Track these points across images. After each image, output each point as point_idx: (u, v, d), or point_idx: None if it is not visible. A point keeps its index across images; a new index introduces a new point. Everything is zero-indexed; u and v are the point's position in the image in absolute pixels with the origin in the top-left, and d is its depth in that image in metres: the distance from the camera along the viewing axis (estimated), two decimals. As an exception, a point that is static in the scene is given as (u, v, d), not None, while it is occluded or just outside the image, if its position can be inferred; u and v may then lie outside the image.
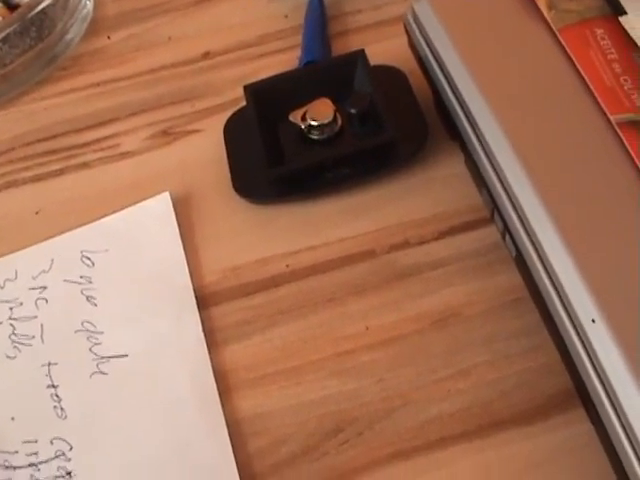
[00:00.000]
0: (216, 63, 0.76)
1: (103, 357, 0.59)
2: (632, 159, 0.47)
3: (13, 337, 0.61)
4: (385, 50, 0.69)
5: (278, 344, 0.58)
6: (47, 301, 0.62)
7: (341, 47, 0.74)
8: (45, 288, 0.63)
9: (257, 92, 0.66)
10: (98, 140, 0.72)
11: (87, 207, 0.67)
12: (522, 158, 0.49)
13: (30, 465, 0.55)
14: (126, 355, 0.59)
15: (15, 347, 0.60)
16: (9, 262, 0.65)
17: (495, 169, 0.52)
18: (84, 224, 0.66)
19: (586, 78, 0.51)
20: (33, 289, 0.63)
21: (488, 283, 0.58)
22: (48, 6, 0.76)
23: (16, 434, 0.57)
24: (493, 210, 0.54)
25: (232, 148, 0.67)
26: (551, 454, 0.51)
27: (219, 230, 0.64)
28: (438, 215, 0.62)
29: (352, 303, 0.59)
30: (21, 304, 0.62)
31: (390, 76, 0.67)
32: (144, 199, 0.66)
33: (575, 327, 0.45)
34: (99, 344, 0.59)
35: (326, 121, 0.64)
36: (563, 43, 0.53)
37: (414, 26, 0.61)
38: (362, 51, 0.67)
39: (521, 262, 0.51)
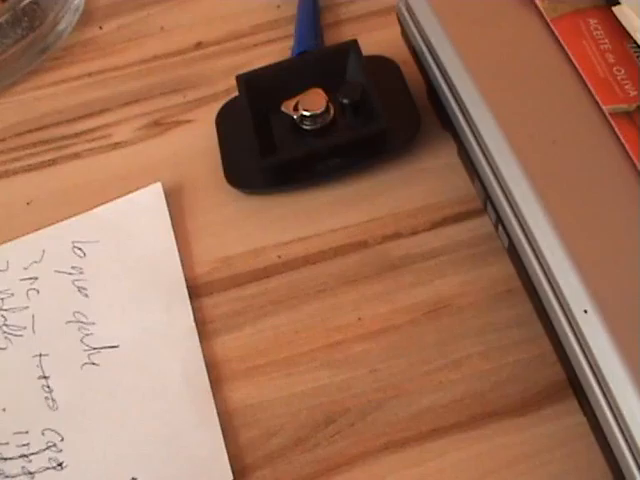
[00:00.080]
0: (208, 53, 0.76)
1: (94, 348, 0.58)
2: (625, 150, 0.47)
3: (4, 328, 0.60)
4: (378, 40, 0.69)
5: (270, 335, 0.58)
6: (38, 292, 0.62)
7: (333, 37, 0.74)
8: (36, 279, 0.62)
9: (249, 82, 0.66)
10: (90, 130, 0.72)
11: (79, 198, 0.67)
12: (515, 149, 0.49)
13: (21, 456, 0.55)
14: (117, 346, 0.58)
15: (6, 338, 0.60)
16: (0, 253, 0.64)
17: (488, 159, 0.52)
18: (75, 215, 0.65)
19: (579, 68, 0.51)
20: (24, 280, 0.63)
21: (481, 274, 0.58)
22: (40, -4, 0.76)
23: (7, 425, 0.56)
24: (486, 201, 0.54)
25: (224, 138, 0.67)
26: (544, 445, 0.51)
27: (211, 221, 0.64)
28: (430, 206, 0.62)
29: (344, 294, 0.59)
30: (12, 295, 0.62)
31: (382, 66, 0.67)
32: (136, 189, 0.66)
33: (567, 318, 0.45)
34: (90, 335, 0.59)
35: (318, 111, 0.64)
36: (556, 33, 0.53)
37: (407, 16, 0.61)
38: (355, 41, 0.66)
39: (514, 253, 0.51)
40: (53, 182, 0.69)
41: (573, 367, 0.45)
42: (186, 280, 0.61)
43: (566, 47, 0.52)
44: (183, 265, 0.61)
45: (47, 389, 0.57)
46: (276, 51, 0.74)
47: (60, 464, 0.54)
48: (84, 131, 0.72)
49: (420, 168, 0.64)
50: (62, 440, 0.55)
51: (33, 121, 0.74)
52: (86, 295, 0.61)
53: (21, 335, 0.60)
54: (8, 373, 0.59)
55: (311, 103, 0.64)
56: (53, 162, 0.70)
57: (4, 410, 0.57)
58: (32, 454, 0.55)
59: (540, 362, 0.54)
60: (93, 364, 0.58)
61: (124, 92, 0.74)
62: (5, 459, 0.55)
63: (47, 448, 0.55)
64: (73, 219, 0.65)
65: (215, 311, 0.59)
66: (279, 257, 0.61)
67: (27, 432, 0.56)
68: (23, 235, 0.65)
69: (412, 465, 0.52)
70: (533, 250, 0.48)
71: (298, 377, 0.56)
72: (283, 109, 0.65)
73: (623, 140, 0.48)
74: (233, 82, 0.67)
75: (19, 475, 0.54)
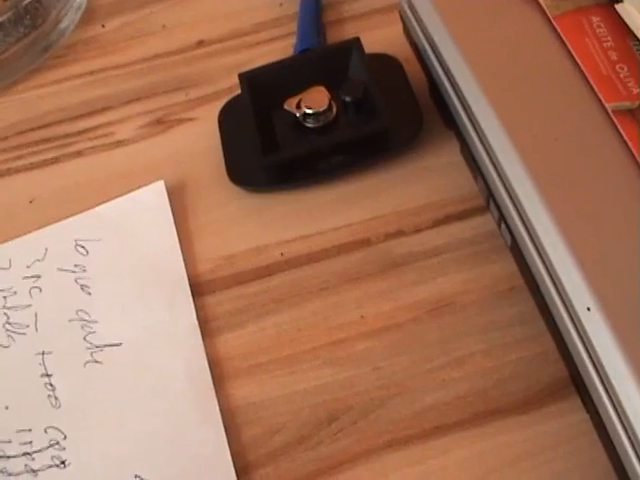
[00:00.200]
0: (211, 51, 0.75)
1: (97, 346, 0.58)
2: (628, 147, 0.47)
3: (7, 326, 0.60)
4: (380, 38, 0.69)
5: (272, 333, 0.58)
6: (41, 290, 0.62)
7: (336, 35, 0.74)
8: (39, 277, 0.62)
9: (252, 80, 0.66)
10: (92, 129, 0.72)
11: (81, 196, 0.67)
12: (518, 146, 0.49)
13: (24, 454, 0.55)
14: (120, 344, 0.58)
15: (9, 336, 0.60)
16: (3, 251, 0.64)
17: (491, 157, 0.52)
18: (78, 213, 0.65)
19: (582, 66, 0.51)
20: (27, 278, 0.63)
21: (484, 272, 0.58)
22: (42, -6, 0.76)
23: (10, 423, 0.56)
24: (488, 198, 0.54)
25: (227, 136, 0.67)
26: (546, 443, 0.51)
27: (213, 219, 0.64)
28: (433, 203, 0.62)
29: (347, 292, 0.59)
30: (15, 293, 0.62)
31: (385, 64, 0.67)
32: (138, 188, 0.66)
33: (570, 315, 0.45)
34: (93, 333, 0.59)
35: (321, 109, 0.64)
36: (559, 31, 0.53)
37: (409, 14, 0.61)
38: (357, 39, 0.66)
39: (517, 250, 0.51)
40: (55, 180, 0.69)
41: (576, 365, 0.45)
42: (189, 278, 0.61)
43: (569, 45, 0.52)
44: (186, 263, 0.61)
45: (50, 387, 0.57)
46: (278, 49, 0.74)
47: (63, 462, 0.54)
48: (86, 129, 0.72)
49: (423, 166, 0.64)
50: (65, 438, 0.55)
51: (35, 119, 0.74)
52: (89, 293, 0.61)
53: (24, 333, 0.60)
54: (11, 371, 0.59)
55: (313, 101, 0.64)
56: (55, 160, 0.70)
57: (7, 408, 0.57)
58: (35, 452, 0.55)
59: (543, 360, 0.54)
60: (96, 362, 0.58)
61: (126, 90, 0.74)
62: (8, 457, 0.55)
63: (50, 446, 0.55)
64: (76, 217, 0.65)
65: (218, 309, 0.59)
66: (282, 255, 0.61)
67: (30, 430, 0.56)
68: (26, 233, 0.65)
69: (415, 463, 0.52)
70: (536, 248, 0.48)
71: (301, 375, 0.56)
72: (285, 107, 0.65)
73: (626, 138, 0.47)
74: (235, 80, 0.66)
75: (22, 473, 0.54)
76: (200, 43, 0.76)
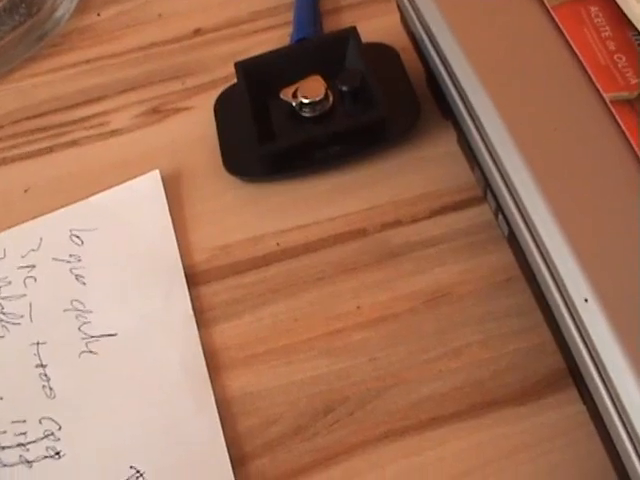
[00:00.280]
0: (207, 40, 0.75)
1: (92, 336, 0.58)
2: (626, 137, 0.47)
3: (1, 316, 0.60)
4: (377, 27, 0.69)
5: (268, 323, 0.58)
6: (36, 280, 0.62)
7: (333, 24, 0.73)
8: (34, 267, 0.62)
9: (248, 69, 0.66)
10: (87, 118, 0.72)
11: (76, 185, 0.66)
12: (515, 136, 0.49)
13: (19, 445, 0.55)
14: (115, 334, 0.58)
15: (3, 326, 0.60)
16: (-3, 241, 0.64)
17: (488, 147, 0.51)
18: (73, 202, 0.65)
19: (580, 56, 0.51)
20: (22, 268, 0.62)
21: (481, 262, 0.58)
22: (37, -18, 0.75)
23: (4, 414, 0.56)
24: (486, 189, 0.54)
25: (223, 126, 0.67)
26: (544, 434, 0.51)
27: (209, 208, 0.64)
28: (430, 194, 0.62)
29: (343, 282, 0.59)
30: (10, 283, 0.62)
31: (382, 53, 0.67)
32: (134, 177, 0.66)
33: (568, 306, 0.45)
34: (88, 323, 0.59)
35: (317, 98, 0.63)
36: (557, 21, 0.53)
37: (406, 3, 0.60)
38: (354, 28, 0.66)
39: (514, 241, 0.50)
40: (50, 170, 0.68)
41: (573, 356, 0.45)
42: (184, 268, 0.61)
43: (567, 34, 0.52)
44: (181, 253, 0.61)
45: (44, 377, 0.57)
46: (275, 38, 0.73)
47: (58, 453, 0.54)
48: (82, 118, 0.72)
49: (420, 156, 0.64)
50: (60, 429, 0.55)
51: (30, 108, 0.73)
52: (84, 283, 0.61)
53: (18, 323, 0.60)
54: (5, 361, 0.59)
55: (310, 90, 0.64)
56: (50, 149, 0.70)
57: (1, 399, 0.57)
58: (30, 443, 0.55)
59: (540, 351, 0.54)
60: (91, 352, 0.58)
61: (122, 79, 0.74)
62: (3, 448, 0.55)
63: (45, 437, 0.55)
64: (70, 207, 0.65)
65: (214, 299, 0.59)
66: (278, 245, 0.61)
67: (24, 421, 0.56)
68: (20, 223, 0.65)
69: (412, 454, 0.52)
70: (533, 238, 0.47)
71: (297, 365, 0.56)
72: (282, 96, 0.65)
73: (624, 128, 0.47)
74: (232, 69, 0.66)
75: (17, 464, 0.54)
76: (196, 32, 0.76)
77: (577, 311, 0.43)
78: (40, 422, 0.56)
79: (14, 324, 0.60)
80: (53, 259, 0.62)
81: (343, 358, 0.56)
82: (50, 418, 0.56)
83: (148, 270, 0.61)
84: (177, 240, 0.62)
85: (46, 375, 0.57)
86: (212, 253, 0.61)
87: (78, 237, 0.63)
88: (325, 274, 0.59)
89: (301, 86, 0.64)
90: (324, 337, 0.57)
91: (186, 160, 0.67)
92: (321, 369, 0.55)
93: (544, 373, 0.53)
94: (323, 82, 0.64)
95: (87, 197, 0.65)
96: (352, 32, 0.66)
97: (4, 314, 0.60)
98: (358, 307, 0.57)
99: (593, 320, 0.42)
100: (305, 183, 0.64)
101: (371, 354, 0.55)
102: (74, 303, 0.60)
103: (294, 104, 0.64)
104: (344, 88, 0.63)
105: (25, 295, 0.61)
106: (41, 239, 0.63)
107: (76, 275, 0.61)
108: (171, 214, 0.63)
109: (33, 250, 0.63)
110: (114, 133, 0.70)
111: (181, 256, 0.61)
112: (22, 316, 0.60)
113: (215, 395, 0.55)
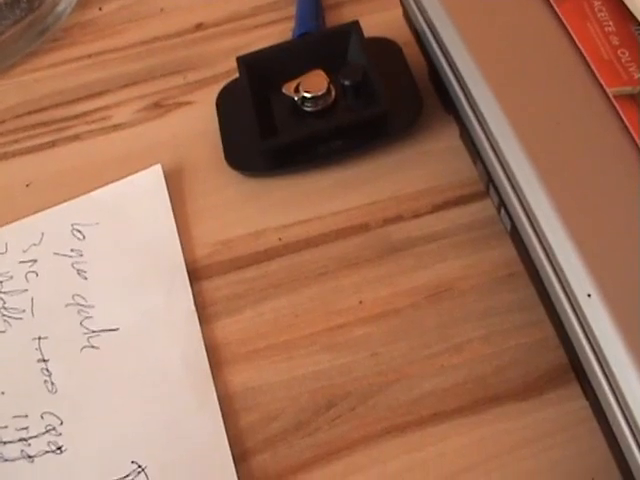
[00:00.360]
0: (209, 34, 0.75)
1: (94, 331, 0.58)
2: (629, 132, 0.47)
3: (3, 311, 0.60)
4: (379, 22, 0.69)
5: (270, 318, 0.58)
6: (37, 274, 0.62)
7: (335, 19, 0.73)
8: (35, 261, 0.62)
9: (250, 64, 0.66)
10: (89, 112, 0.72)
11: (78, 180, 0.66)
12: (518, 131, 0.49)
13: (20, 440, 0.55)
14: (117, 329, 0.58)
15: (5, 321, 0.60)
16: (-1, 235, 0.64)
17: (490, 142, 0.51)
18: (75, 197, 0.65)
19: (583, 51, 0.51)
20: (23, 262, 0.62)
21: (483, 257, 0.58)
22: (39, -24, 0.75)
23: (6, 409, 0.56)
24: (488, 184, 0.54)
25: (225, 120, 0.67)
26: (546, 430, 0.51)
27: (211, 203, 0.64)
28: (432, 189, 0.61)
29: (345, 277, 0.59)
30: (11, 277, 0.62)
31: (384, 48, 0.67)
32: (136, 172, 0.66)
33: (570, 302, 0.45)
34: (90, 318, 0.59)
35: (320, 93, 0.63)
36: (561, 15, 0.53)
37: (409, -3, 0.60)
38: (356, 22, 0.66)
39: (516, 236, 0.50)
40: (52, 164, 0.68)
41: (575, 351, 0.45)
42: (186, 263, 0.60)
43: (570, 29, 0.52)
44: (183, 248, 0.61)
45: (46, 372, 0.57)
46: (277, 33, 0.73)
47: (59, 448, 0.54)
48: (84, 113, 0.72)
49: (422, 151, 0.64)
50: (61, 424, 0.55)
51: (32, 103, 0.73)
52: (85, 278, 0.61)
53: (20, 318, 0.60)
54: (7, 356, 0.58)
55: (312, 85, 0.64)
56: (52, 144, 0.70)
57: (3, 393, 0.57)
58: (31, 438, 0.55)
59: (542, 346, 0.53)
60: (92, 347, 0.58)
61: (124, 74, 0.74)
62: (4, 443, 0.55)
63: (46, 432, 0.55)
64: (72, 201, 0.65)
65: (215, 294, 0.59)
66: (280, 240, 0.61)
67: (26, 416, 0.56)
68: (22, 217, 0.65)
69: (413, 449, 0.51)
70: (536, 233, 0.47)
71: (299, 360, 0.56)
72: (284, 91, 0.64)
73: (627, 122, 0.47)
74: (234, 64, 0.66)
75: (18, 459, 0.54)
76: (198, 26, 0.76)
77: (580, 306, 0.43)
78: (42, 417, 0.55)
79: (16, 319, 0.60)
80: (55, 254, 0.62)
81: (345, 353, 0.55)
82: (52, 413, 0.55)
83: (150, 265, 0.61)
84: (179, 235, 0.62)
85: (48, 370, 0.57)
86: (214, 248, 0.61)
87: (80, 232, 0.63)
88: (327, 269, 0.59)
89: (303, 81, 0.64)
90: (326, 332, 0.57)
91: (188, 155, 0.67)
92: (323, 364, 0.55)
93: (546, 368, 0.53)
94: (325, 77, 0.64)
95: (89, 192, 0.65)
96: (354, 26, 0.66)
97: (6, 309, 0.60)
98: (360, 302, 0.57)
99: (596, 315, 0.42)
100: (307, 178, 0.64)
101: (373, 349, 0.55)
102: (76, 298, 0.60)
103: (296, 99, 0.64)
104: (346, 83, 0.63)
105: (27, 290, 0.61)
106: (43, 234, 0.63)
107: (78, 270, 0.61)
108: (173, 209, 0.63)
109: (35, 245, 0.63)
110: (116, 128, 0.70)
111: (183, 251, 0.61)
112: (24, 311, 0.60)
113: (216, 390, 0.55)
